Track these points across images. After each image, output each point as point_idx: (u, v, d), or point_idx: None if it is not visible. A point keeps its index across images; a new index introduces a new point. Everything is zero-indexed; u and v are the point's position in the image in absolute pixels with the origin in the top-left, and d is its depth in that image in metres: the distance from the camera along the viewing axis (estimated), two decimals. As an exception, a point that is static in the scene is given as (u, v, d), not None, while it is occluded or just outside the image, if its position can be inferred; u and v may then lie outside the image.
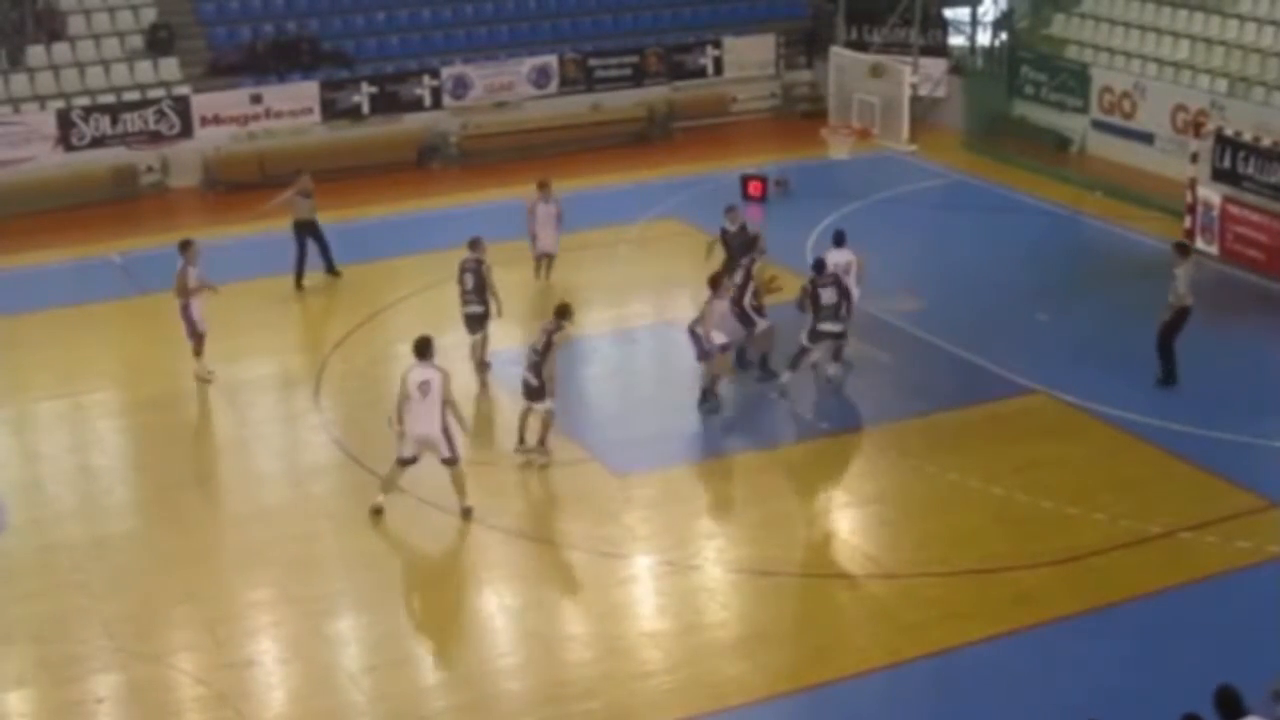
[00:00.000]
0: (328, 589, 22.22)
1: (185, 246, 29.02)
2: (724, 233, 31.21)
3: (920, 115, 44.91)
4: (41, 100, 42.19)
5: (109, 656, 20.74)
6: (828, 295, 27.49)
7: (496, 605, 21.85)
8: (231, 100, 43.05)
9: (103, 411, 28.87)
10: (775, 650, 20.46)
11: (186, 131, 42.43)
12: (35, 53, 43.23)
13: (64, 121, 41.43)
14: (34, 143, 41.11)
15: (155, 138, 42.14)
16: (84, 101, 42.18)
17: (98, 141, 41.62)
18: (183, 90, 43.05)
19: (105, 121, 41.74)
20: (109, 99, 42.44)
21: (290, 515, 24.38)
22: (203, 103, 42.74)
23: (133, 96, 42.62)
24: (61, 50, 43.45)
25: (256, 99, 43.11)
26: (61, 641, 20.98)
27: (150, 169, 42.45)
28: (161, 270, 33.46)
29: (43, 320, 32.07)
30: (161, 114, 42.17)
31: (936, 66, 46.50)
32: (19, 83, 42.54)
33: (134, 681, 20.15)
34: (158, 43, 44.08)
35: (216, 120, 42.77)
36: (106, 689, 20.07)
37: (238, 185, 41.75)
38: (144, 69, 43.55)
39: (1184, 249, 28.13)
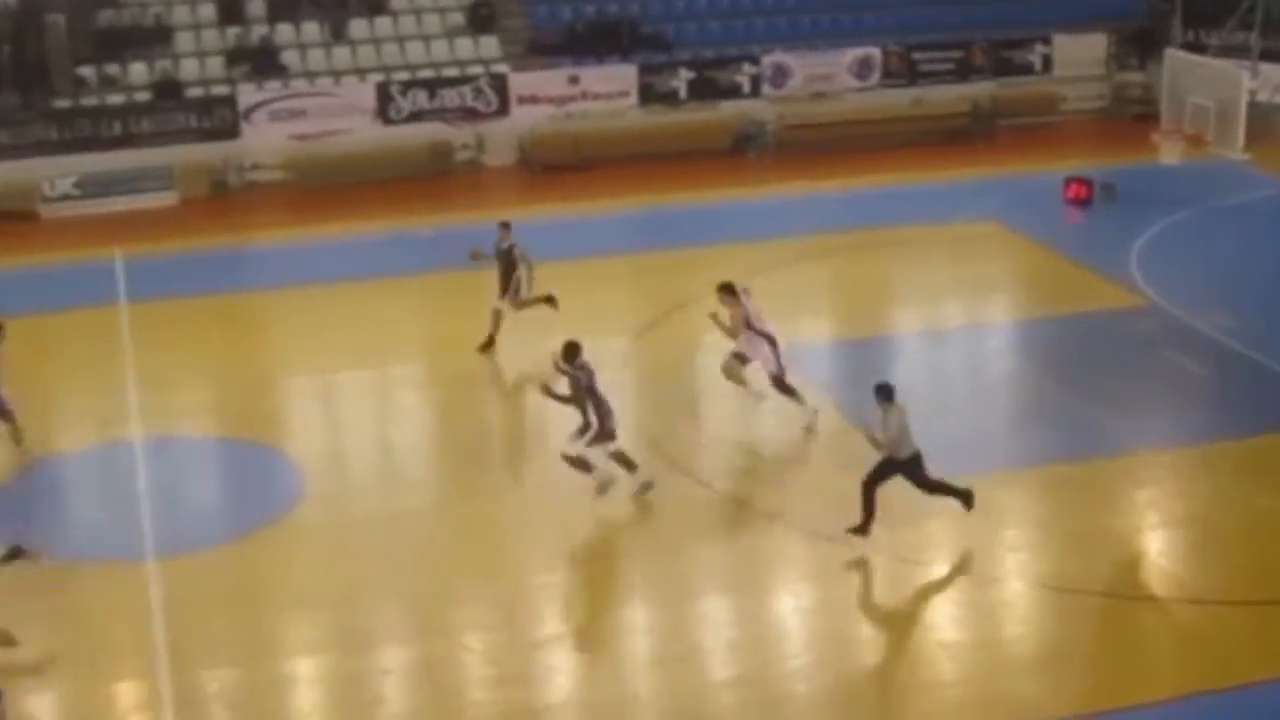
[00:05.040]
0: (624, 577, 22.46)
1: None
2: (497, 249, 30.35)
3: (1258, 123, 43.74)
4: (361, 73, 43.31)
5: (400, 630, 21.22)
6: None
7: (791, 606, 21.87)
8: (549, 80, 43.68)
9: (407, 384, 29.56)
10: (1073, 671, 20.14)
11: (503, 110, 43.15)
12: (358, 26, 44.38)
13: (383, 95, 42.45)
14: (353, 115, 42.21)
15: (472, 115, 42.94)
16: (403, 76, 43.18)
17: (415, 116, 42.56)
18: (501, 68, 43.81)
19: (423, 96, 42.67)
20: (428, 74, 43.40)
21: (588, 501, 24.61)
22: (520, 82, 43.44)
23: (451, 73, 43.51)
24: (383, 24, 44.55)
25: (574, 80, 43.69)
26: (355, 612, 21.51)
27: (465, 146, 43.29)
28: (458, 250, 34.21)
29: (350, 291, 32.90)
30: (479, 91, 42.97)
31: (1277, 72, 45.26)
32: (341, 55, 43.73)
33: (422, 656, 20.54)
34: (479, 20, 44.92)
35: (533, 100, 43.41)
36: (394, 662, 20.50)
37: (551, 166, 42.39)
38: (464, 46, 44.43)
39: (888, 391, 22.56)
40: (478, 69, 43.76)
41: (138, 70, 43.16)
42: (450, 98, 42.83)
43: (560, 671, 20.38)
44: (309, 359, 30.29)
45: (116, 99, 42.53)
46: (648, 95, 44.27)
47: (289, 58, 43.83)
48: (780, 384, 26.68)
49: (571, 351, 23.98)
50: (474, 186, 41.81)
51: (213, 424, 28.21)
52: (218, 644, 20.82)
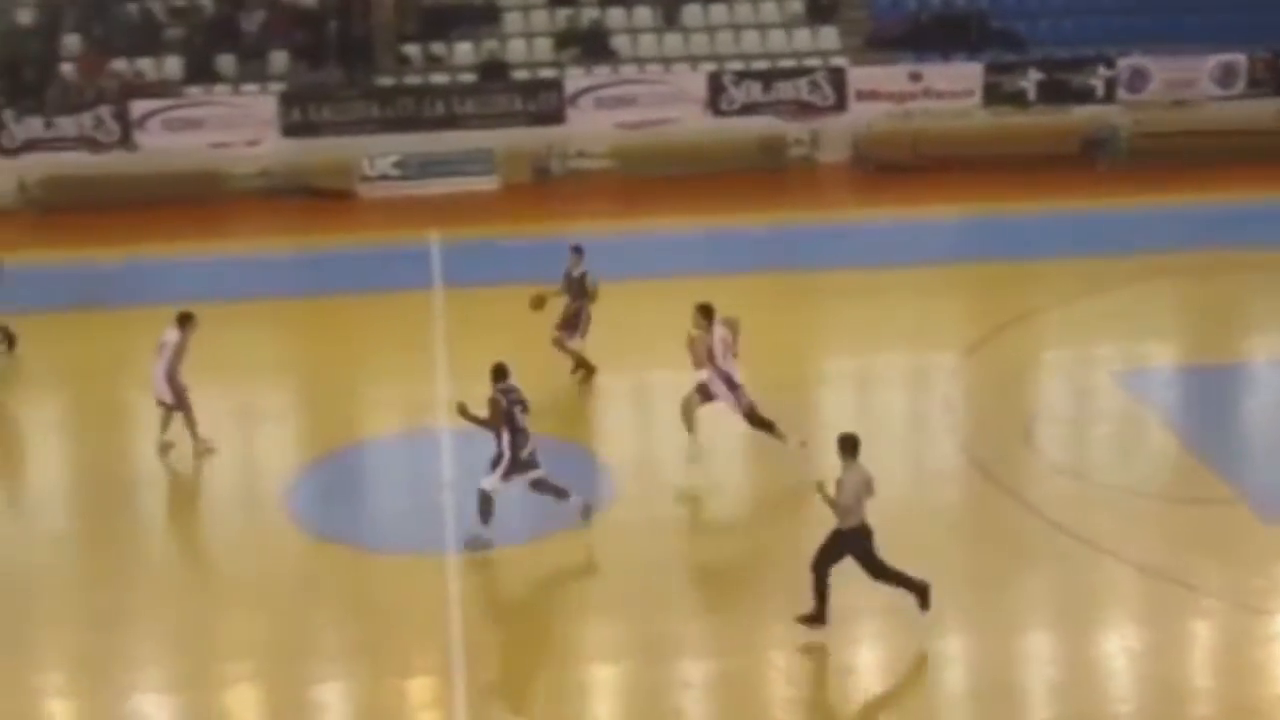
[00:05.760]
0: (941, 604, 22.23)
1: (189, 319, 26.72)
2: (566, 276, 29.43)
3: None
4: (694, 61, 43.60)
5: (703, 642, 21.31)
6: (520, 416, 23.47)
7: (1118, 647, 21.49)
8: (889, 76, 43.45)
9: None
10: None
11: (840, 105, 43.05)
12: (691, 12, 44.71)
13: (714, 85, 42.65)
14: (682, 104, 42.49)
15: (806, 109, 42.95)
16: (736, 66, 43.37)
17: (747, 108, 42.68)
18: (840, 61, 43.77)
19: (756, 88, 42.75)
20: (762, 65, 43.53)
21: (908, 522, 24.39)
22: (859, 76, 43.29)
23: (787, 64, 43.59)
24: (719, 11, 44.84)
25: (916, 77, 43.39)
26: (657, 620, 21.66)
27: (799, 141, 43.35)
28: (806, 248, 34.25)
29: (669, 288, 33.06)
30: (815, 85, 42.92)
31: None
32: (673, 41, 44.10)
33: (725, 671, 20.58)
34: (819, 10, 44.97)
35: (872, 96, 43.21)
36: (695, 675, 20.59)
37: (887, 165, 42.22)
38: (801, 36, 44.50)
39: (851, 445, 20.96)
40: (815, 61, 43.78)
41: (463, 50, 44.06)
42: (785, 90, 42.87)
43: (866, 698, 20.33)
44: (622, 357, 30.56)
45: (441, 79, 43.49)
46: (993, 95, 43.76)
47: (619, 42, 44.36)
48: (754, 418, 25.82)
49: (499, 373, 23.48)
50: (805, 184, 41.87)
51: (522, 418, 28.65)
52: (514, 645, 21.14)
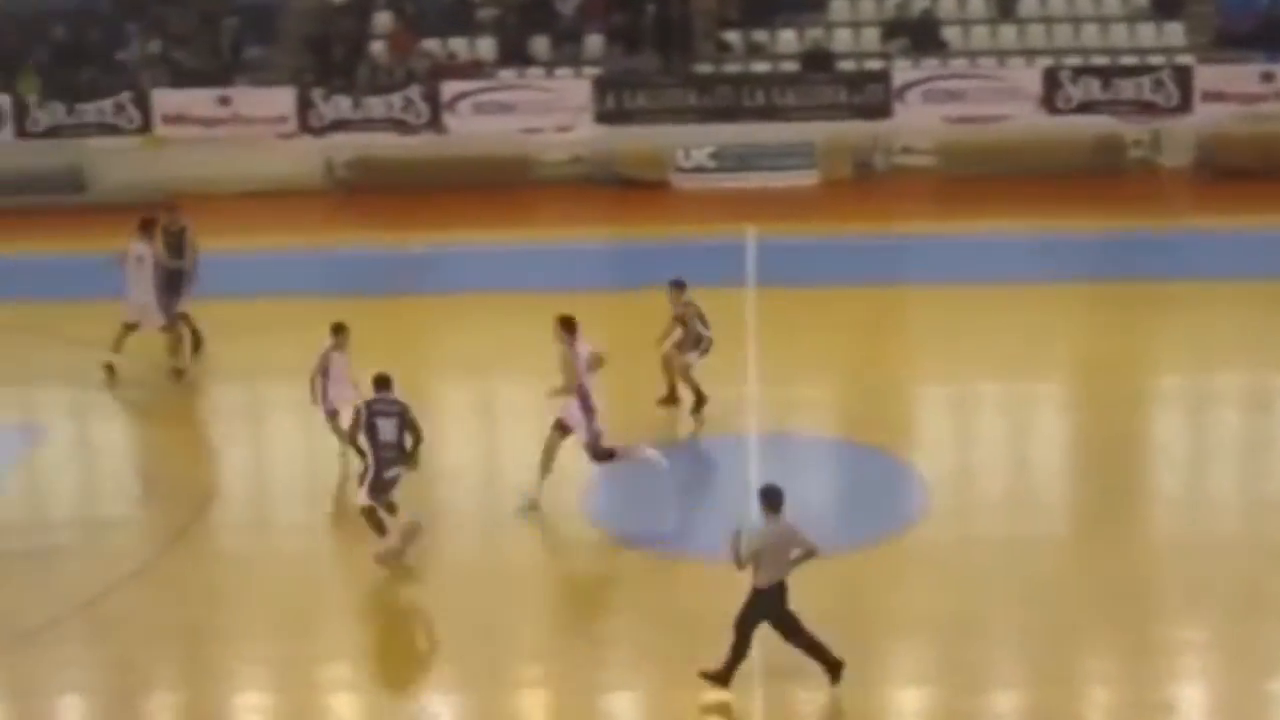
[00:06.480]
0: (1272, 647, 21.76)
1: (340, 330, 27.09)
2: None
3: None
4: (1029, 55, 43.27)
5: (1014, 670, 21.10)
6: (387, 429, 23.09)
7: None
8: (1239, 75, 42.73)
9: (1049, 403, 29.42)
10: None
11: (1185, 106, 42.39)
12: (1028, 3, 44.39)
13: (1050, 80, 42.28)
14: (1016, 100, 42.21)
15: (1148, 109, 42.36)
16: (1074, 61, 42.93)
17: (1084, 106, 42.26)
18: (1186, 59, 43.07)
19: (1095, 85, 42.31)
20: (1102, 61, 43.02)
21: (1239, 555, 23.90)
22: (1206, 75, 42.59)
23: (1129, 61, 43.02)
24: (1056, 3, 44.51)
25: (1268, 77, 42.55)
26: (971, 642, 21.48)
27: (1138, 143, 42.76)
28: (1141, 256, 33.67)
29: (992, 294, 32.86)
30: (1159, 83, 42.31)
31: None
32: (1007, 33, 43.86)
33: (1037, 704, 20.30)
34: (1164, 4, 44.29)
35: (1219, 97, 42.47)
36: (1005, 705, 20.39)
37: (1232, 171, 41.40)
38: (1145, 32, 43.90)
39: (774, 498, 19.83)
40: (1159, 59, 43.12)
41: (786, 38, 44.28)
42: (1125, 89, 42.32)
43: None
44: (942, 364, 30.47)
45: (762, 67, 43.70)
46: (1353, 98, 42.81)
47: (950, 34, 44.21)
48: (598, 451, 24.80)
49: (377, 383, 23.37)
50: (1144, 189, 41.24)
51: (835, 425, 28.69)
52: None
